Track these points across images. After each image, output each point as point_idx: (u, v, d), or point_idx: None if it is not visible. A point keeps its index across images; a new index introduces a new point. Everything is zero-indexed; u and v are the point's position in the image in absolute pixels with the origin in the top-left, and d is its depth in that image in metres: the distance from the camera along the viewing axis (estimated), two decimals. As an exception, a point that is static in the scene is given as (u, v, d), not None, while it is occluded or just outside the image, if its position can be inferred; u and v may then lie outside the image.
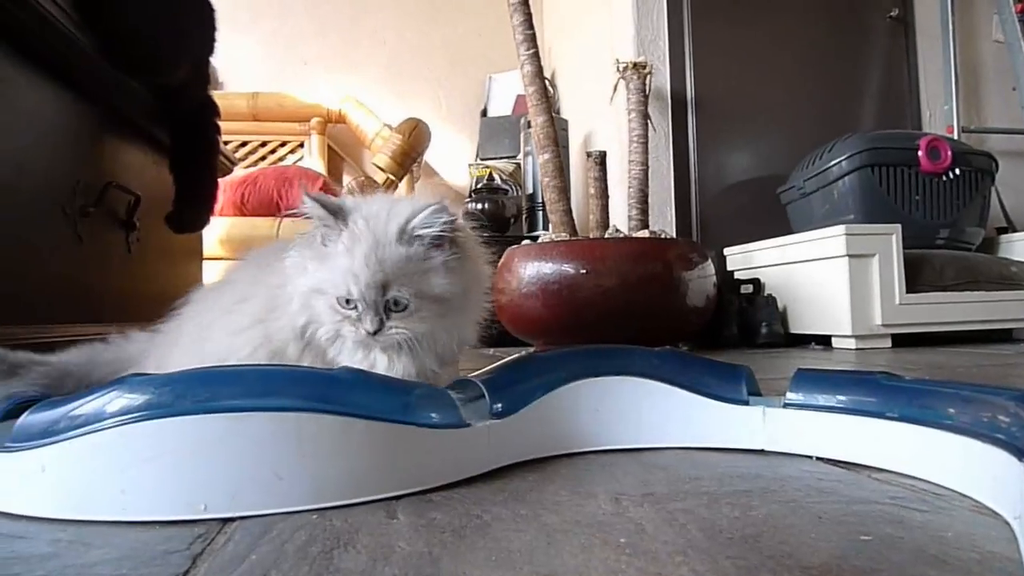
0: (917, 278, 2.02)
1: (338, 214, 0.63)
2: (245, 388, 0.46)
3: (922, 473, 0.52)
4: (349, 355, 0.65)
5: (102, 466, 0.44)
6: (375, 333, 0.61)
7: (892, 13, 2.76)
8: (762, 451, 0.61)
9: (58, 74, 0.98)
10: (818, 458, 0.59)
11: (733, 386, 0.63)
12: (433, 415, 0.52)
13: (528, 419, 0.59)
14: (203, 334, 0.70)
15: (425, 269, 0.63)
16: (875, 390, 0.57)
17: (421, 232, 0.62)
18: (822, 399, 0.59)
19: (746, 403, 0.62)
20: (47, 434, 0.45)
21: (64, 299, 1.02)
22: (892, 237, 1.96)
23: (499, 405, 0.58)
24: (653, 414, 0.63)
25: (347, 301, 0.62)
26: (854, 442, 0.56)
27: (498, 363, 0.65)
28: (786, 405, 0.61)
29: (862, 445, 0.56)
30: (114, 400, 0.45)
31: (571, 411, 0.61)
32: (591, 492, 0.49)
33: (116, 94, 1.12)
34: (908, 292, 1.97)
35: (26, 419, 0.47)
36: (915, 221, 2.13)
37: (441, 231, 0.63)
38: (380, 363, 0.64)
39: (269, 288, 0.68)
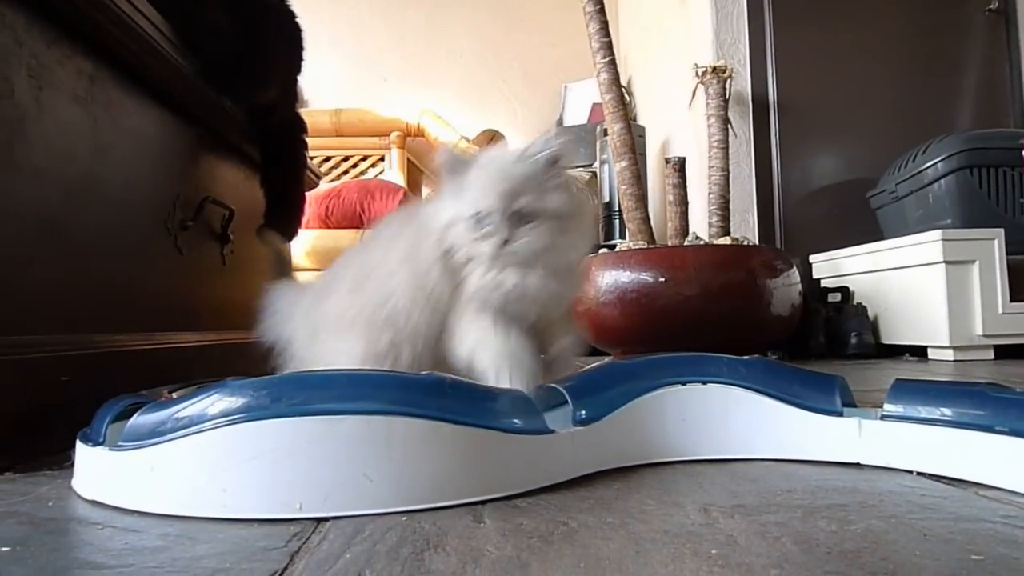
0: (1022, 286, 1.90)
1: (465, 160, 0.71)
2: (337, 392, 0.48)
3: (1036, 491, 0.49)
4: (480, 275, 0.68)
5: (205, 465, 0.46)
6: (505, 243, 0.65)
7: (991, 6, 2.62)
8: (857, 464, 0.59)
9: (161, 97, 1.04)
10: (919, 473, 0.56)
11: (826, 397, 0.61)
12: (517, 421, 0.53)
13: (612, 427, 0.58)
14: (360, 281, 0.76)
15: (543, 187, 0.68)
16: (983, 402, 0.53)
17: (537, 154, 0.68)
18: (923, 411, 0.56)
19: (840, 414, 0.60)
20: (155, 434, 0.48)
21: (165, 309, 1.07)
22: (994, 242, 1.85)
23: (583, 412, 0.58)
24: (741, 424, 0.62)
25: (478, 220, 0.67)
26: (959, 457, 0.53)
27: (581, 370, 0.65)
28: (883, 417, 0.58)
29: (967, 460, 0.53)
30: (216, 403, 0.47)
31: (656, 419, 0.61)
32: (678, 502, 0.48)
33: (212, 114, 1.18)
34: (1012, 300, 1.86)
35: (136, 420, 0.50)
36: (1018, 225, 2.00)
37: (554, 153, 0.69)
38: (508, 279, 0.67)
39: (408, 236, 0.75)
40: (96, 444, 0.53)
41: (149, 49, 0.91)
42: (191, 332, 1.14)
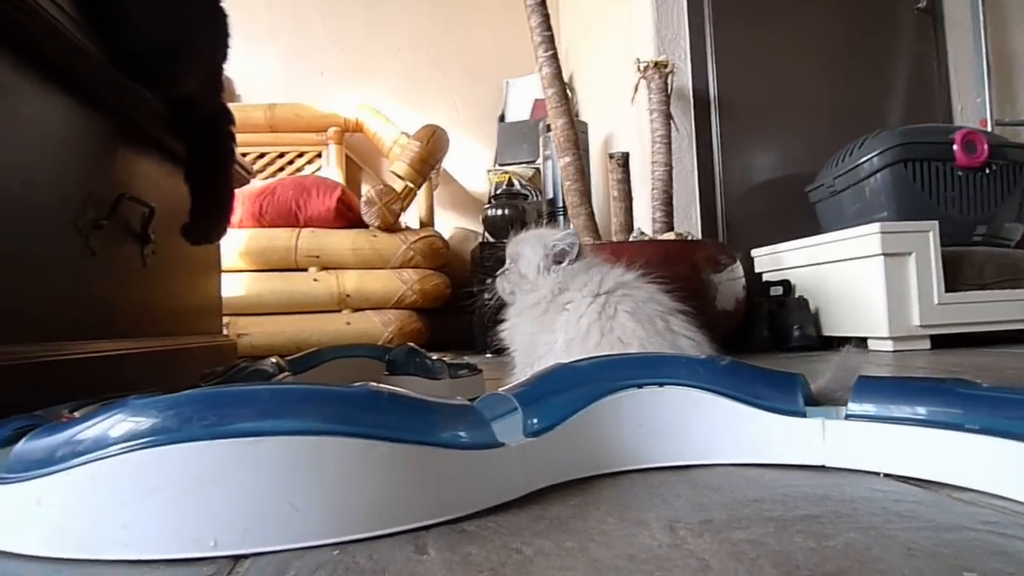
0: (956, 277, 1.95)
1: None
2: (257, 409, 0.42)
3: (1009, 492, 0.46)
4: None
5: (102, 499, 0.40)
6: None
7: (920, 5, 2.69)
8: (822, 467, 0.56)
9: (66, 83, 0.95)
10: (886, 475, 0.53)
11: (788, 396, 0.58)
12: (463, 434, 0.48)
13: (566, 436, 0.54)
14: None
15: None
16: (951, 399, 0.51)
17: None
18: (890, 410, 0.53)
19: (803, 415, 0.57)
20: (44, 463, 0.41)
21: (78, 315, 0.98)
22: (929, 234, 1.89)
23: (535, 420, 0.53)
24: (701, 428, 0.58)
25: None
26: (928, 457, 0.51)
27: (530, 375, 0.61)
28: (848, 416, 0.55)
29: (937, 461, 0.50)
30: (114, 426, 0.41)
31: (612, 426, 0.56)
32: (641, 519, 0.44)
33: (127, 104, 1.09)
34: (947, 291, 1.90)
35: (22, 447, 0.43)
36: (951, 218, 2.05)
37: None
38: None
39: None
40: (-25, 476, 0.45)
41: (48, 28, 0.83)
42: (107, 340, 1.05)
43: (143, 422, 0.41)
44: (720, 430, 0.58)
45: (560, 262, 0.98)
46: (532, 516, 0.45)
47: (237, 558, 0.39)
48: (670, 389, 0.58)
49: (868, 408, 0.54)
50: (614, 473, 0.56)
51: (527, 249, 1.01)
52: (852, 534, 0.40)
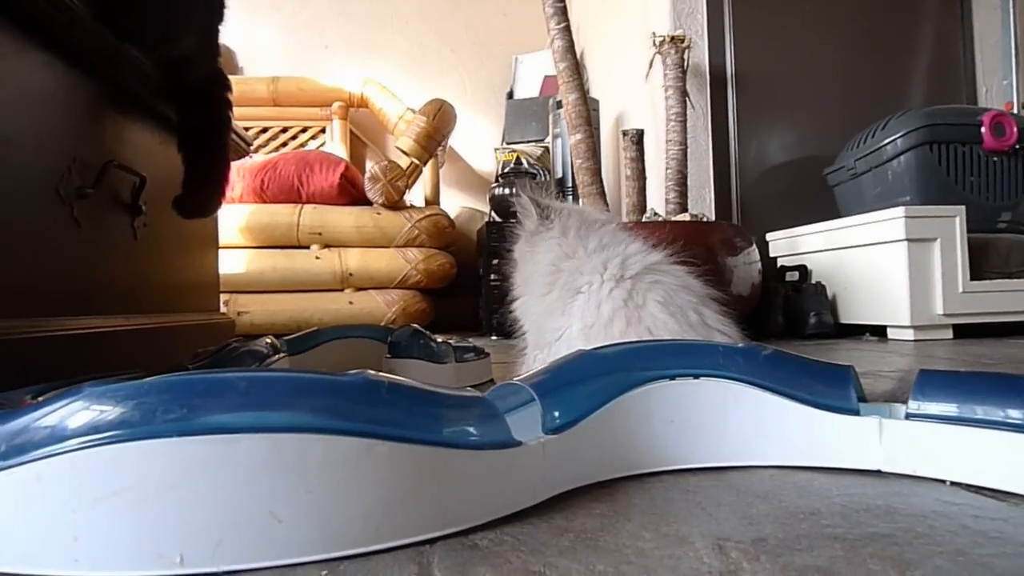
0: (981, 264, 1.87)
1: None
2: (233, 401, 0.35)
3: (1105, 507, 0.40)
4: None
5: (49, 506, 0.34)
6: None
7: (946, -18, 2.59)
8: (878, 472, 0.49)
9: (46, 39, 0.88)
10: (952, 483, 0.47)
11: (839, 391, 0.51)
12: (474, 432, 0.41)
13: (591, 432, 0.47)
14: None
15: None
16: (1032, 399, 0.44)
17: None
18: (958, 409, 0.47)
19: (857, 412, 0.51)
20: (-15, 460, 0.35)
21: (61, 289, 0.92)
22: (955, 220, 1.81)
23: (556, 414, 0.47)
24: (740, 425, 0.52)
25: None
26: (1004, 465, 0.45)
27: (549, 363, 0.54)
28: (909, 416, 0.49)
29: (1016, 469, 0.44)
30: (65, 418, 0.35)
31: (641, 422, 0.50)
32: (683, 535, 0.38)
33: (117, 66, 1.02)
34: (971, 279, 1.83)
35: (-38, 440, 0.37)
36: (975, 203, 1.97)
37: None
38: None
39: None
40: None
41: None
42: (94, 316, 0.99)
43: (98, 415, 0.34)
44: (762, 428, 0.52)
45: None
46: (554, 528, 0.39)
47: (207, 577, 0.33)
48: (706, 382, 0.52)
49: (932, 407, 0.48)
50: (642, 475, 0.50)
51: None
52: (938, 561, 0.33)
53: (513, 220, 1.00)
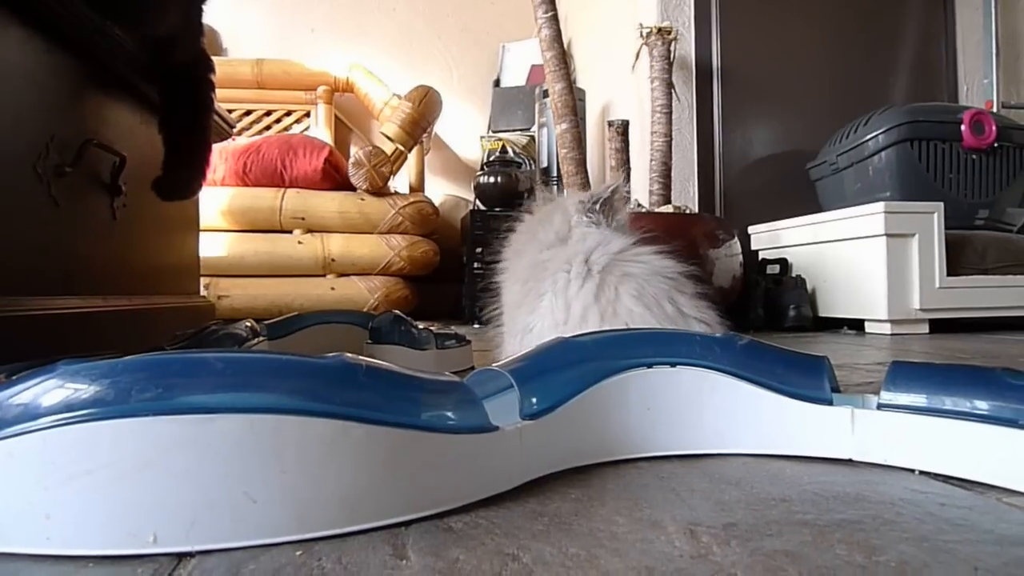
0: (958, 260, 1.90)
1: None
2: (209, 381, 0.35)
3: (1067, 497, 0.41)
4: None
5: (20, 483, 0.33)
6: None
7: (930, -19, 2.61)
8: (849, 461, 0.50)
9: (30, 19, 0.86)
10: (921, 472, 0.48)
11: (814, 381, 0.52)
12: (451, 415, 0.42)
13: (568, 419, 0.48)
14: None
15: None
16: (1001, 391, 0.45)
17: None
18: (928, 400, 0.48)
19: (830, 402, 0.51)
20: (-45, 437, 0.35)
21: (37, 268, 0.91)
22: (934, 216, 1.83)
23: (534, 400, 0.47)
24: (716, 413, 0.52)
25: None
26: (973, 455, 0.45)
27: (528, 349, 0.54)
28: (881, 406, 0.50)
29: (982, 459, 0.45)
30: (37, 396, 0.34)
31: (618, 409, 0.51)
32: (655, 520, 0.38)
33: (98, 44, 1.01)
34: (948, 275, 1.85)
35: (-68, 416, 0.37)
36: (953, 200, 2.00)
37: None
38: None
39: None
40: None
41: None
42: (72, 297, 0.98)
43: (72, 393, 0.34)
44: (737, 417, 0.52)
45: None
46: (529, 512, 0.39)
47: (181, 556, 0.33)
48: (683, 370, 0.52)
49: (903, 397, 0.49)
50: (617, 461, 0.50)
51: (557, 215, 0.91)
52: (903, 547, 0.34)
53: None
